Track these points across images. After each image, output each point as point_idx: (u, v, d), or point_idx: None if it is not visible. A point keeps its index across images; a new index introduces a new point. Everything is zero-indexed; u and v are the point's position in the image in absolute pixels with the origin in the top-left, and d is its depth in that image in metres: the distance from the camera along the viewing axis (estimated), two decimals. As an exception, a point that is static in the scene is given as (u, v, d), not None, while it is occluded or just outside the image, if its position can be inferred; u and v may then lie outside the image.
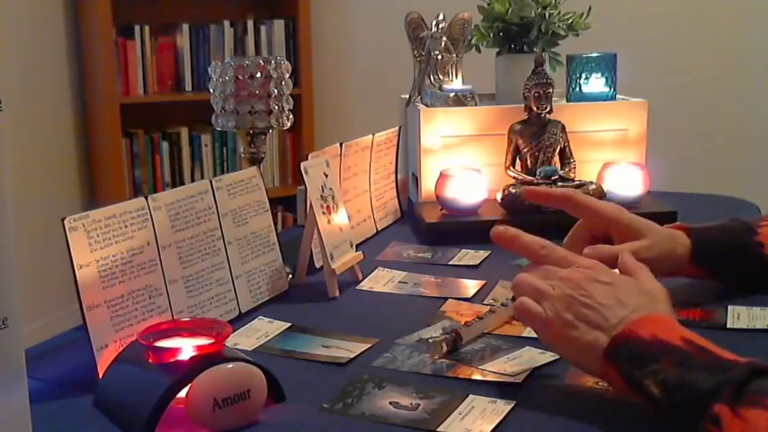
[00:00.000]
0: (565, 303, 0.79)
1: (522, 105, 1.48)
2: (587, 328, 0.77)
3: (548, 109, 1.46)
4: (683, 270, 1.04)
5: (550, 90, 1.46)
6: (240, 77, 1.13)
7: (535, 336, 0.95)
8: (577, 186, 1.41)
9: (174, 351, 0.76)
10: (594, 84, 1.60)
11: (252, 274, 1.07)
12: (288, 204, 3.34)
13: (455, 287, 1.15)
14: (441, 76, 1.59)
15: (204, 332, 0.80)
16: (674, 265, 1.03)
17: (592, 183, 1.44)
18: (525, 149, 1.47)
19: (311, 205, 1.12)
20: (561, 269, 0.82)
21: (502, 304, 1.00)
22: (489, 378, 0.84)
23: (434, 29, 1.59)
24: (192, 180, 3.45)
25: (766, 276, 1.05)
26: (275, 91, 1.15)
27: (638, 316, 0.76)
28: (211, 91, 1.16)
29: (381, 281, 1.18)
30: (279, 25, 3.55)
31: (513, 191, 1.42)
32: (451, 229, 1.40)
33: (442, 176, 1.45)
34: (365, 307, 1.10)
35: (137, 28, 3.36)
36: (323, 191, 1.15)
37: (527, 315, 0.81)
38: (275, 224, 1.14)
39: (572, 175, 1.46)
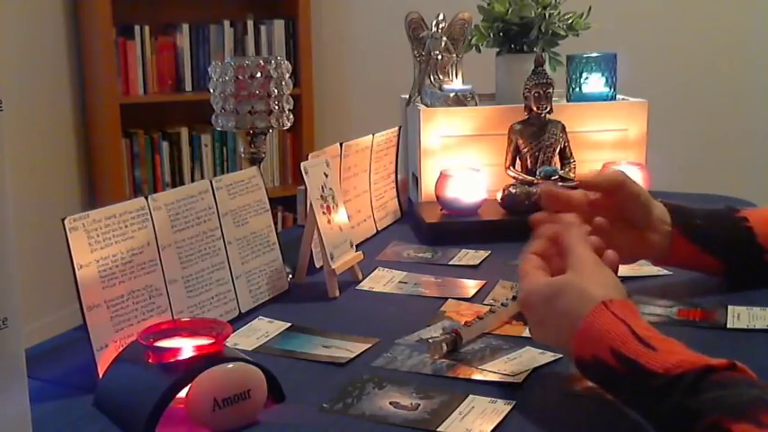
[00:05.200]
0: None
1: (522, 105, 1.48)
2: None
3: (548, 109, 1.46)
4: (676, 248, 1.04)
5: (550, 90, 1.46)
6: (240, 77, 1.13)
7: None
8: (576, 186, 1.41)
9: (174, 351, 0.76)
10: (594, 84, 1.60)
11: (252, 274, 1.07)
12: (288, 204, 3.33)
13: (455, 287, 1.15)
14: (441, 76, 1.59)
15: (204, 332, 0.80)
16: (658, 235, 1.03)
17: (592, 183, 1.44)
18: (525, 149, 1.47)
19: (311, 205, 1.12)
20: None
21: (502, 304, 1.00)
22: (489, 378, 0.84)
23: (434, 29, 1.59)
24: (192, 180, 3.45)
25: (756, 251, 1.05)
26: (275, 91, 1.15)
27: (575, 333, 0.76)
28: (211, 91, 1.16)
29: (381, 281, 1.18)
30: (279, 25, 3.55)
31: (513, 191, 1.42)
32: (451, 229, 1.40)
33: (442, 176, 1.45)
34: (365, 307, 1.10)
35: (137, 28, 3.36)
36: (323, 191, 1.15)
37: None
38: (275, 224, 1.14)
39: (572, 175, 1.46)
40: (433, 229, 1.39)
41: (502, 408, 0.78)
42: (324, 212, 1.13)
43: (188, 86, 3.46)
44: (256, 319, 1.02)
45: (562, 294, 0.79)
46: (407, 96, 1.65)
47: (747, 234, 1.05)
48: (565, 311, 0.78)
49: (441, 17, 1.59)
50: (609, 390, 0.75)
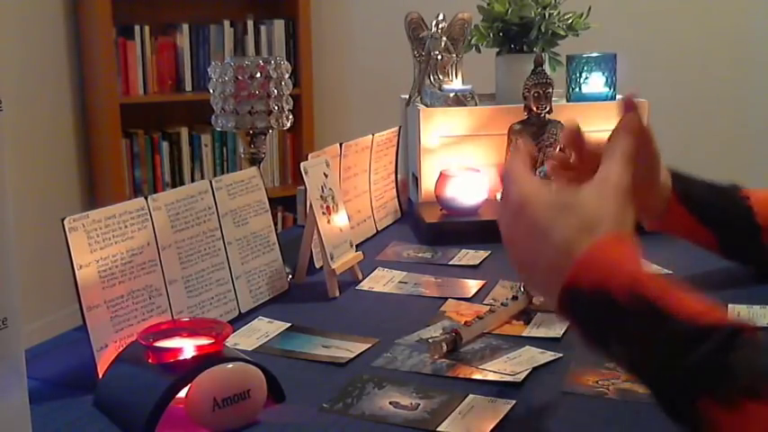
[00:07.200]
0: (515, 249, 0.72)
1: (522, 105, 1.48)
2: (536, 275, 0.70)
3: (547, 109, 1.46)
4: (672, 214, 1.03)
5: (550, 90, 1.46)
6: (240, 78, 1.13)
7: (535, 335, 0.95)
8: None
9: (174, 351, 0.76)
10: (594, 84, 1.60)
11: (252, 275, 1.07)
12: (288, 204, 3.33)
13: (455, 287, 1.15)
14: (441, 76, 1.59)
15: (204, 332, 0.80)
16: (661, 201, 1.02)
17: (592, 183, 1.44)
18: (525, 149, 1.47)
19: (311, 205, 1.12)
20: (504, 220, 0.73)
21: (502, 304, 1.00)
22: (489, 378, 0.84)
23: (434, 29, 1.59)
24: (192, 180, 3.45)
25: (753, 230, 1.05)
26: (275, 91, 1.15)
27: (578, 255, 0.65)
28: (211, 91, 1.16)
29: (381, 281, 1.18)
30: (279, 25, 3.55)
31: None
32: (451, 229, 1.40)
33: (442, 176, 1.45)
34: (365, 307, 1.10)
35: (137, 28, 3.36)
36: (323, 191, 1.15)
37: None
38: (275, 224, 1.14)
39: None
40: (432, 229, 1.39)
41: (501, 407, 0.78)
42: (324, 212, 1.13)
43: (188, 86, 3.46)
44: (256, 320, 1.02)
45: (572, 209, 0.67)
46: (407, 96, 1.65)
47: (747, 212, 1.04)
48: (568, 230, 0.66)
49: (441, 17, 1.59)
50: (597, 330, 0.64)
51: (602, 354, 0.66)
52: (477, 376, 0.85)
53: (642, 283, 0.61)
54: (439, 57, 1.58)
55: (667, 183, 1.03)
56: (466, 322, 0.95)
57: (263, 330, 0.99)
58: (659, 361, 0.59)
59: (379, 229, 1.45)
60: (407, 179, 1.66)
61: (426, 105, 1.58)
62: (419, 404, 0.79)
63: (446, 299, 1.10)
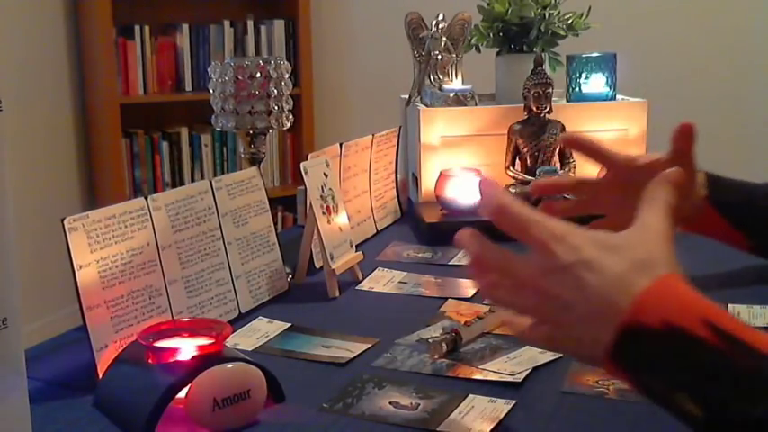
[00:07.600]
0: (536, 313, 0.64)
1: (522, 105, 1.48)
2: (572, 331, 0.61)
3: (547, 109, 1.46)
4: (703, 217, 1.04)
5: (550, 90, 1.46)
6: (240, 78, 1.13)
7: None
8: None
9: (174, 351, 0.76)
10: (594, 84, 1.60)
11: (252, 275, 1.07)
12: (288, 204, 3.33)
13: (455, 287, 1.15)
14: (441, 76, 1.59)
15: (204, 332, 0.80)
16: (693, 206, 1.03)
17: (592, 183, 1.44)
18: (525, 149, 1.47)
19: (311, 205, 1.12)
20: (516, 266, 0.67)
21: (502, 304, 1.00)
22: (489, 378, 0.84)
23: (434, 29, 1.59)
24: (192, 180, 3.45)
25: None
26: (275, 91, 1.15)
27: (639, 291, 0.58)
28: (211, 91, 1.16)
29: (381, 281, 1.18)
30: (279, 25, 3.55)
31: (513, 191, 1.42)
32: (451, 229, 1.39)
33: (442, 176, 1.45)
34: (365, 307, 1.10)
35: (137, 28, 3.36)
36: (323, 191, 1.15)
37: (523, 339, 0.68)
38: (275, 224, 1.14)
39: (572, 175, 1.47)
40: (432, 229, 1.39)
41: (502, 407, 0.78)
42: (324, 213, 1.13)
43: (188, 86, 3.46)
44: (256, 320, 1.02)
45: (620, 249, 0.60)
46: (407, 96, 1.65)
47: None
48: (620, 267, 0.59)
49: (441, 17, 1.59)
50: (667, 371, 0.57)
51: (661, 399, 0.59)
52: (478, 376, 0.85)
53: (720, 318, 0.57)
54: (439, 57, 1.58)
55: (702, 189, 1.04)
56: (466, 322, 0.95)
57: (263, 330, 0.99)
58: (752, 398, 0.55)
59: (379, 229, 1.45)
60: (407, 179, 1.66)
61: (426, 105, 1.58)
62: (419, 404, 0.79)
63: (446, 299, 1.10)
